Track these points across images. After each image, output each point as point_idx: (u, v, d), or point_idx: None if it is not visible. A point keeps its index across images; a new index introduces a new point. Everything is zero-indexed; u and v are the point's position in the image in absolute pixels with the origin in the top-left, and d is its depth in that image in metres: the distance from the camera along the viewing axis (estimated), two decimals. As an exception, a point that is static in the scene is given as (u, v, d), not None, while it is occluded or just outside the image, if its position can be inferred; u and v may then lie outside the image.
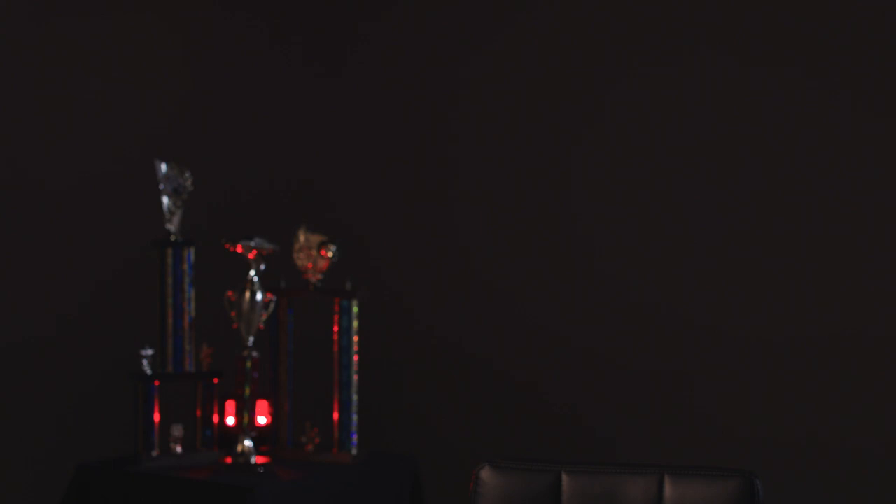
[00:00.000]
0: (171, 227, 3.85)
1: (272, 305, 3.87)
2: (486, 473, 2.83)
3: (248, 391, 3.85)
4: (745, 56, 4.19)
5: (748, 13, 4.17)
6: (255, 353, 3.86)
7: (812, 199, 4.12)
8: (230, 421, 3.94)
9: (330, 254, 3.89)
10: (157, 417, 3.77)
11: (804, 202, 4.12)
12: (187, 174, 3.88)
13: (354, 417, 3.90)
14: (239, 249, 3.81)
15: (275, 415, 3.94)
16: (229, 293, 3.83)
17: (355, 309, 3.89)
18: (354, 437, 3.90)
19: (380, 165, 4.69)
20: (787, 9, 4.14)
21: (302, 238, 3.91)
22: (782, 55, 4.13)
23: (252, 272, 3.82)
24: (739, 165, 4.19)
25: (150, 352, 3.80)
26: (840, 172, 4.09)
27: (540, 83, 4.46)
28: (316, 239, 3.91)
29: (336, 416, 3.89)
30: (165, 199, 3.85)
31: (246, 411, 3.84)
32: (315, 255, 3.90)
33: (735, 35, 4.18)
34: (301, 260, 3.91)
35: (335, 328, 3.90)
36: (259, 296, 3.82)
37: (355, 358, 3.90)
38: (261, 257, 3.82)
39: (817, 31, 4.09)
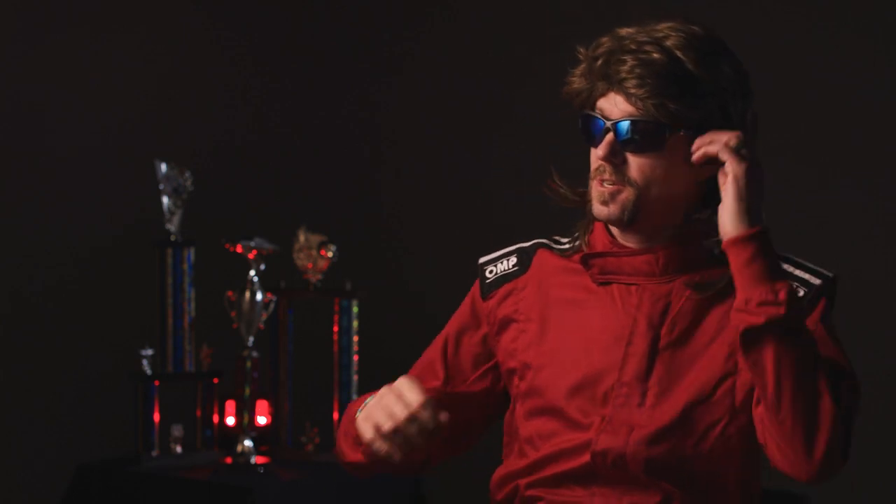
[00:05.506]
0: (171, 227, 3.85)
1: (272, 305, 3.87)
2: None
3: (248, 391, 3.85)
4: (745, 56, 4.18)
5: (747, 13, 4.17)
6: (255, 353, 3.86)
7: (810, 199, 4.12)
8: (230, 421, 3.93)
9: (330, 254, 3.89)
10: (157, 417, 3.77)
11: (804, 202, 4.12)
12: (187, 174, 3.87)
13: (354, 417, 3.89)
14: (239, 249, 3.81)
15: (275, 415, 3.94)
16: (229, 293, 3.83)
17: (355, 309, 3.89)
18: (354, 437, 3.89)
19: (380, 165, 4.69)
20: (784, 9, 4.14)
21: (302, 238, 3.91)
22: (783, 55, 4.13)
23: (252, 272, 3.82)
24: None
25: (150, 352, 3.79)
26: (843, 171, 4.09)
27: (540, 82, 4.45)
28: (316, 239, 3.90)
29: (336, 416, 3.88)
30: (165, 199, 3.84)
31: (246, 411, 3.84)
32: (315, 255, 3.90)
33: (735, 34, 4.17)
34: (301, 260, 3.91)
35: (335, 328, 3.89)
36: (259, 296, 3.82)
37: (355, 358, 3.89)
38: (261, 257, 3.82)
39: (818, 31, 4.10)
